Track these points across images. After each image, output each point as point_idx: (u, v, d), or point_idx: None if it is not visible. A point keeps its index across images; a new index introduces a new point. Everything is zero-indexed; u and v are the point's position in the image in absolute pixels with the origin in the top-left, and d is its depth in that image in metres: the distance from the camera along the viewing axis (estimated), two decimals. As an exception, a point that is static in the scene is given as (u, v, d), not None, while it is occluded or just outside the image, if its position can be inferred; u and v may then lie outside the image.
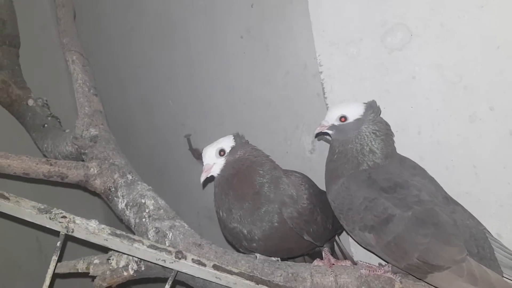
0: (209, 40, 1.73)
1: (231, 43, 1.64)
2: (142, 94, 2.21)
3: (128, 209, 1.16)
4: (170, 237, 1.10)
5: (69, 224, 1.01)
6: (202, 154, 1.06)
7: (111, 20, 2.15)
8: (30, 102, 1.75)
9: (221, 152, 1.05)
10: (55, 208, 1.04)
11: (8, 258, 2.16)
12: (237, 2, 1.58)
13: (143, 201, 1.16)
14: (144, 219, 1.14)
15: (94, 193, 1.27)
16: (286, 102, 1.51)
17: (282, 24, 1.48)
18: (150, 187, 1.22)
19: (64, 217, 1.02)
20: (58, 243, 1.02)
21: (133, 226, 1.15)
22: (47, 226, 1.02)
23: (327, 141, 1.31)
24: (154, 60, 2.04)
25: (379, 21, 1.14)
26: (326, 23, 1.23)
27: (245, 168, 1.03)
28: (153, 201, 1.17)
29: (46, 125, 1.63)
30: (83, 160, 1.38)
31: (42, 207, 1.03)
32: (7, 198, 1.03)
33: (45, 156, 1.56)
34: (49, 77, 2.26)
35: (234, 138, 1.08)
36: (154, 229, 1.12)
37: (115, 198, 1.20)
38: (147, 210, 1.15)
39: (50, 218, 1.01)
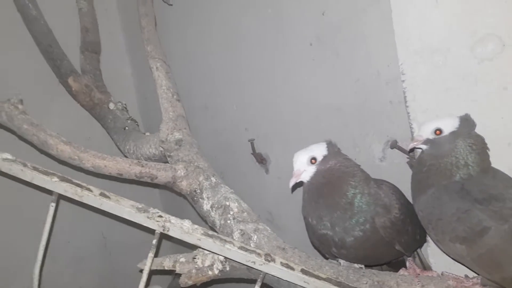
0: (276, 47, 1.76)
1: (299, 50, 1.66)
2: (206, 98, 2.27)
3: (213, 211, 1.21)
4: (255, 239, 1.14)
5: (165, 223, 1.06)
6: (293, 159, 1.09)
7: (177, 27, 2.22)
8: (111, 106, 1.84)
9: (313, 160, 1.07)
10: (151, 208, 1.10)
11: (75, 253, 2.27)
12: (307, 10, 1.60)
13: (227, 203, 1.21)
14: (229, 221, 1.18)
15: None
16: (356, 109, 1.51)
17: (354, 31, 1.48)
18: (232, 190, 1.27)
19: (160, 216, 1.07)
20: (154, 241, 1.07)
21: (218, 227, 1.20)
22: (144, 225, 1.08)
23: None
24: (219, 65, 2.09)
25: (468, 31, 1.13)
26: (410, 31, 1.23)
27: (337, 178, 1.05)
28: (236, 204, 1.21)
29: (126, 128, 1.72)
30: (165, 162, 1.44)
31: (140, 206, 1.09)
32: (108, 197, 1.09)
33: (126, 157, 1.64)
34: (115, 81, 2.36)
35: (327, 147, 1.09)
36: (239, 231, 1.15)
37: (200, 199, 1.25)
38: (231, 212, 1.19)
39: (148, 217, 1.07)
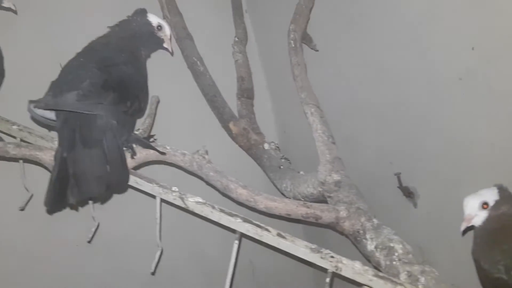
0: (422, 82, 1.78)
1: (447, 85, 1.66)
2: (348, 132, 2.34)
3: (378, 252, 1.28)
4: (422, 281, 1.17)
5: (337, 263, 1.16)
6: (464, 203, 1.12)
7: (315, 59, 2.35)
8: (266, 146, 2.03)
9: (484, 205, 1.09)
10: (323, 249, 1.21)
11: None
12: (455, 45, 1.60)
13: (391, 244, 1.27)
14: (394, 262, 1.24)
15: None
16: (512, 143, 1.46)
17: (508, 65, 1.46)
18: (394, 231, 1.33)
19: (332, 257, 1.18)
20: (327, 280, 1.18)
21: (383, 267, 1.26)
22: (318, 264, 1.19)
23: None
24: (362, 100, 2.15)
25: None
26: None
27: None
28: (401, 245, 1.27)
29: (281, 167, 1.87)
30: (322, 202, 1.55)
31: (313, 247, 1.21)
32: (284, 237, 1.23)
33: (283, 194, 1.80)
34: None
35: (498, 191, 1.11)
36: (405, 272, 1.21)
37: (363, 240, 1.33)
38: (396, 254, 1.25)
39: (321, 257, 1.18)
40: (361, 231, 1.35)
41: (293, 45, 1.87)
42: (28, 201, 1.69)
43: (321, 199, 1.59)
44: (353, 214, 1.38)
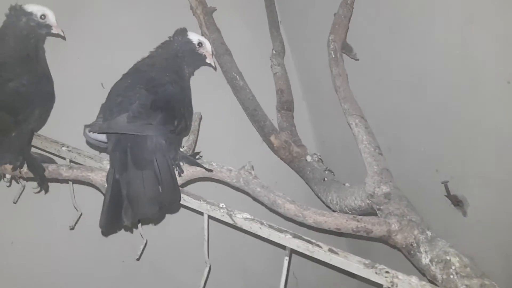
0: (469, 87, 1.73)
1: (496, 88, 1.62)
2: (389, 140, 2.30)
3: (433, 265, 1.24)
4: (483, 296, 1.13)
5: (393, 279, 1.14)
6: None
7: (355, 68, 2.33)
8: (308, 158, 2.02)
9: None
10: (377, 264, 1.18)
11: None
12: (502, 48, 1.56)
13: (447, 258, 1.23)
14: (451, 276, 1.20)
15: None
16: None
17: None
18: (449, 243, 1.29)
19: (387, 272, 1.16)
20: (383, 295, 1.15)
21: (439, 281, 1.23)
22: (372, 279, 1.17)
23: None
24: (405, 107, 2.11)
25: None
26: None
27: None
28: (458, 258, 1.23)
29: (326, 179, 1.85)
30: (371, 214, 1.53)
31: (367, 262, 1.19)
32: (336, 253, 1.22)
33: (329, 207, 1.78)
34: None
35: None
36: (464, 286, 1.17)
37: (417, 253, 1.30)
38: (453, 267, 1.21)
39: (375, 273, 1.16)
40: (415, 244, 1.32)
41: (333, 56, 1.86)
42: (78, 220, 1.74)
43: (370, 212, 1.56)
44: (405, 227, 1.35)
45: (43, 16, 1.58)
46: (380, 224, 1.36)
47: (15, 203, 1.73)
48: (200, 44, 1.73)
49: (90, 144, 1.51)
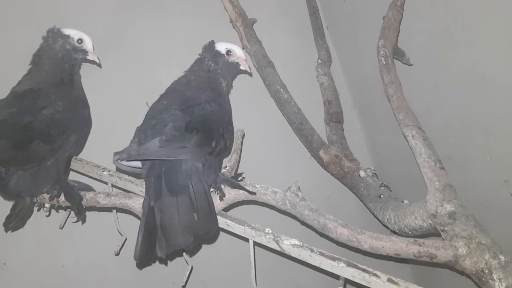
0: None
1: None
2: (450, 149, 2.15)
3: (511, 295, 1.10)
4: None
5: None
6: None
7: (409, 74, 2.20)
8: (362, 173, 1.91)
9: None
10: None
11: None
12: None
13: (529, 287, 1.09)
14: (533, 308, 1.05)
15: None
16: None
17: None
18: (529, 270, 1.14)
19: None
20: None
21: (519, 314, 1.08)
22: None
23: None
24: (465, 114, 1.97)
25: None
26: None
27: None
28: (539, 288, 1.08)
29: (382, 196, 1.73)
30: (433, 235, 1.40)
31: (432, 294, 1.06)
32: (396, 283, 1.11)
33: (386, 227, 1.65)
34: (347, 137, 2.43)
35: None
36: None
37: (490, 280, 1.17)
38: (534, 298, 1.07)
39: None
40: (486, 270, 1.18)
41: (384, 62, 1.74)
42: (123, 245, 1.72)
43: (433, 233, 1.43)
44: (474, 251, 1.21)
45: (80, 40, 1.59)
46: (445, 248, 1.23)
47: (61, 228, 1.74)
48: (228, 52, 1.67)
49: (123, 171, 1.48)
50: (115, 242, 1.74)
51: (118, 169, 1.47)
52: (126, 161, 1.29)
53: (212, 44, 1.69)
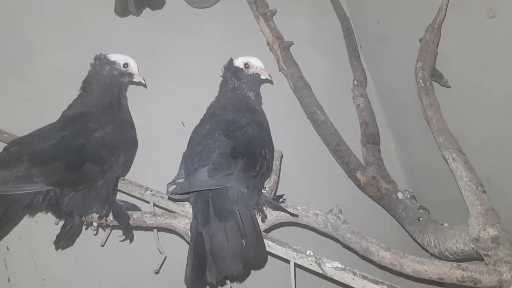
0: None
1: None
2: (489, 171, 2.14)
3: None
4: None
5: None
6: None
7: (446, 96, 2.21)
8: (400, 195, 1.92)
9: None
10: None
11: None
12: None
13: None
14: None
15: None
16: None
17: None
18: None
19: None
20: None
21: None
22: None
23: None
24: (504, 135, 1.97)
25: None
26: None
27: None
28: None
29: (421, 218, 1.74)
30: (476, 260, 1.40)
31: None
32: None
33: (426, 250, 1.66)
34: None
35: None
36: None
37: (536, 307, 1.16)
38: None
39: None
40: (533, 298, 1.18)
41: (422, 85, 1.77)
42: (162, 263, 1.77)
43: (475, 257, 1.44)
44: (520, 277, 1.22)
45: (126, 64, 1.67)
46: (490, 273, 1.24)
47: (102, 246, 1.80)
48: (246, 65, 1.70)
49: (173, 199, 1.54)
50: (153, 260, 1.79)
51: (169, 198, 1.55)
52: (180, 194, 1.34)
53: (230, 62, 1.73)
